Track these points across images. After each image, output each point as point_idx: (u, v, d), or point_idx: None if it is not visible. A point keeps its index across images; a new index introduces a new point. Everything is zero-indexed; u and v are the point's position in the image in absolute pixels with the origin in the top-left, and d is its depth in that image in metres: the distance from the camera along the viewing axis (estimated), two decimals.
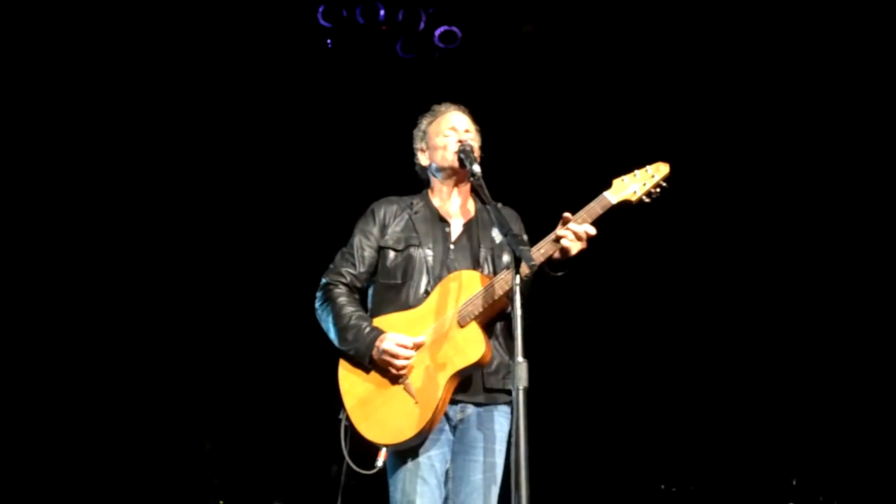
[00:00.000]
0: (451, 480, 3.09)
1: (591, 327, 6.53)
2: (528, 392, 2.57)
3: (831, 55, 6.26)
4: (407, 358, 3.01)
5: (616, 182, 3.05)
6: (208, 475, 6.30)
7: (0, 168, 6.21)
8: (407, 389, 3.01)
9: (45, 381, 6.19)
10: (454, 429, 3.12)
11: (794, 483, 5.94)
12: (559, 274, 3.02)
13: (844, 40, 6.18)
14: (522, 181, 5.55)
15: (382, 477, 3.09)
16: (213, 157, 6.62)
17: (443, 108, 3.44)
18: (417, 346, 3.03)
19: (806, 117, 6.44)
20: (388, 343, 3.01)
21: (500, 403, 3.13)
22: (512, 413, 2.62)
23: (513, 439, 2.56)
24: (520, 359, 2.58)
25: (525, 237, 3.29)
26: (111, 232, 6.48)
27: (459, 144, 3.24)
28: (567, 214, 2.98)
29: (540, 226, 3.24)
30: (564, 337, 6.18)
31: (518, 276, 2.69)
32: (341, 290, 3.23)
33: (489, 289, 3.00)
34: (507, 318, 3.08)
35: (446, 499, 3.08)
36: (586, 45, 6.58)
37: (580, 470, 6.39)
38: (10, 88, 6.13)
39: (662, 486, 6.18)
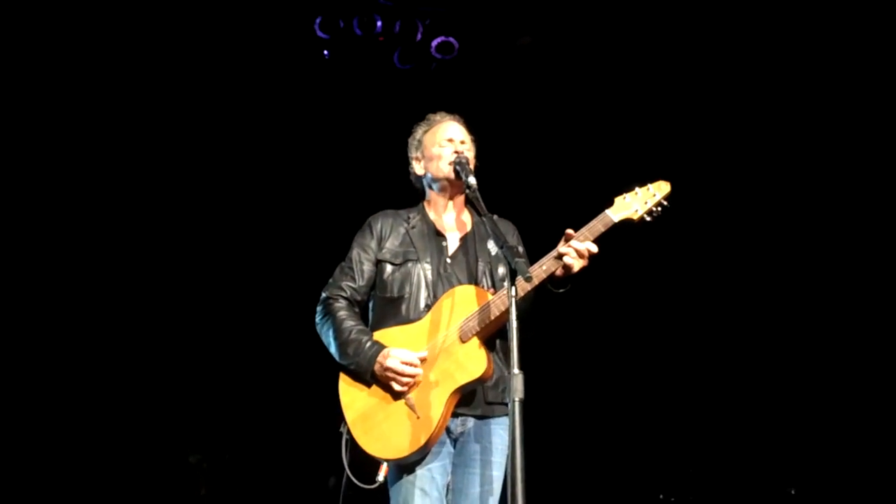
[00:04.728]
0: (452, 493, 3.09)
1: (589, 339, 6.53)
2: (526, 403, 2.56)
3: (830, 63, 6.27)
4: (412, 376, 3.00)
5: (618, 200, 3.04)
6: (196, 486, 6.28)
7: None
8: (408, 404, 3.00)
9: (32, 387, 6.14)
10: (455, 441, 3.12)
11: (793, 492, 5.94)
12: (561, 291, 3.02)
13: (844, 46, 6.18)
14: (519, 193, 5.56)
15: (383, 489, 3.07)
16: (211, 168, 6.62)
17: (438, 117, 3.44)
18: (422, 361, 3.02)
19: (803, 130, 6.45)
20: (391, 361, 3.00)
21: (499, 416, 3.13)
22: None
23: (509, 451, 2.55)
24: (515, 370, 2.58)
25: (521, 249, 3.30)
26: (107, 240, 6.47)
27: (455, 156, 3.24)
28: (570, 231, 2.98)
29: (538, 237, 3.24)
30: (563, 349, 6.17)
31: (514, 289, 2.69)
32: (341, 304, 3.22)
33: (490, 305, 2.99)
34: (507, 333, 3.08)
35: None
36: (584, 56, 6.59)
37: (578, 480, 6.37)
38: (9, 89, 6.13)
39: (661, 496, 6.17)
